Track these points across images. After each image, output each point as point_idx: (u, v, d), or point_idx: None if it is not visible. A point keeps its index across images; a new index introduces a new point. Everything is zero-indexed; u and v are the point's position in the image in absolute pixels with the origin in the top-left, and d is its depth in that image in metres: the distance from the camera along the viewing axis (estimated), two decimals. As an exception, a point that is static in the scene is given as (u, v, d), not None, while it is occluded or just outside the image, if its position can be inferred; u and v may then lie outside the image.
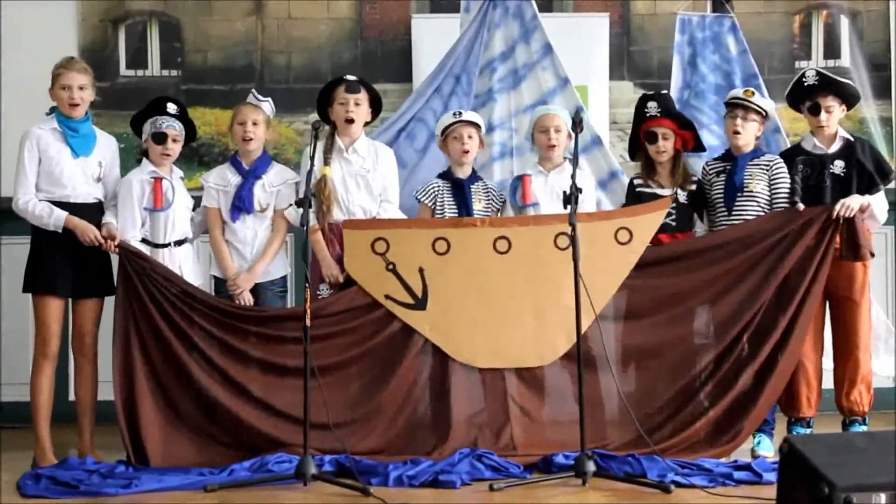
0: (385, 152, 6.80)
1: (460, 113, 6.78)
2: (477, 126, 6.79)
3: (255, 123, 6.67)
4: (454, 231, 6.42)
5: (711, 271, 6.45)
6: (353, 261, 6.44)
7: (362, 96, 6.67)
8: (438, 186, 6.78)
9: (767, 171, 6.58)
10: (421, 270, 6.39)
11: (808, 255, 6.37)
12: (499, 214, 6.79)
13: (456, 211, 6.70)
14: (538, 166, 6.81)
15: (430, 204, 6.75)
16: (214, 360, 6.36)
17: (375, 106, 6.79)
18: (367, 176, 6.67)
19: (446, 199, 6.74)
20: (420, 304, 6.38)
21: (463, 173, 6.79)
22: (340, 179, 6.64)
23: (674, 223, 6.60)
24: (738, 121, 6.61)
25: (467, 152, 6.73)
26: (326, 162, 6.63)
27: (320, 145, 6.59)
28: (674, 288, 6.46)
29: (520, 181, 6.79)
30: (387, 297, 6.39)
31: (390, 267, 6.39)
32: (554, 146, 6.68)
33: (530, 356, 6.37)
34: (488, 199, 6.79)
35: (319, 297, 6.57)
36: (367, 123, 6.82)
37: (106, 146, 6.68)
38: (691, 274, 6.46)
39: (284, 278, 6.84)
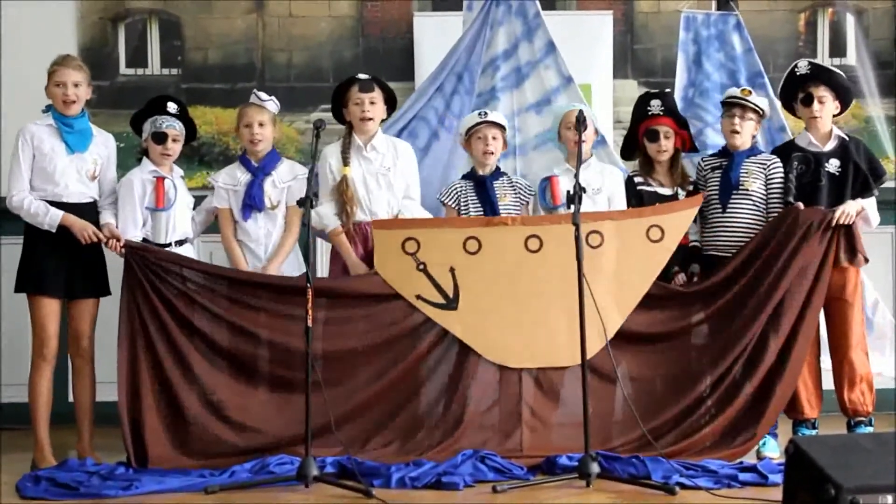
0: (404, 148, 6.78)
1: (486, 113, 6.76)
2: (501, 127, 6.76)
3: (261, 125, 6.63)
4: (485, 230, 6.39)
5: (717, 301, 6.42)
6: (384, 261, 6.40)
7: (377, 94, 6.63)
8: (461, 187, 6.76)
9: (765, 170, 6.55)
10: (452, 270, 6.36)
11: (811, 260, 6.32)
12: (529, 207, 6.78)
13: (481, 209, 6.68)
14: (566, 164, 6.77)
15: (453, 205, 6.73)
16: (219, 354, 6.33)
17: (390, 103, 6.76)
18: (388, 174, 6.64)
19: (470, 198, 6.72)
20: (451, 303, 6.36)
21: (485, 172, 6.76)
22: (361, 179, 6.61)
23: (673, 223, 6.56)
24: (736, 120, 6.58)
25: (490, 153, 6.70)
26: (346, 162, 6.60)
27: (336, 146, 6.63)
28: (676, 321, 6.45)
29: (548, 182, 6.76)
30: (418, 297, 6.36)
31: (421, 267, 6.36)
32: (583, 141, 6.64)
33: (561, 356, 6.31)
34: (515, 193, 6.76)
35: None
36: (382, 121, 6.79)
37: (103, 144, 6.64)
38: (695, 305, 6.46)
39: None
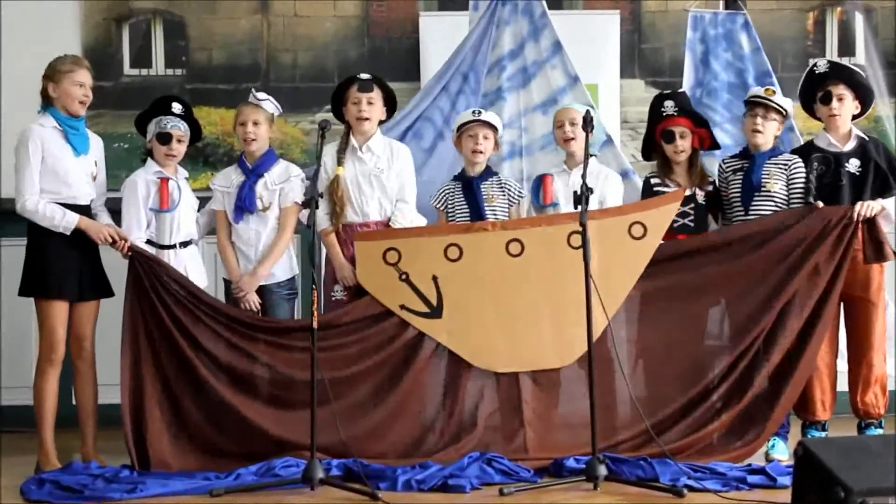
0: (401, 150, 6.74)
1: (479, 112, 6.72)
2: (494, 128, 6.72)
3: (255, 123, 6.59)
4: (466, 236, 6.36)
5: (727, 268, 6.36)
6: (366, 272, 6.38)
7: (375, 95, 6.60)
8: (449, 189, 6.74)
9: (786, 170, 6.50)
10: (434, 278, 6.33)
11: (828, 258, 6.28)
12: (520, 208, 6.74)
13: (467, 210, 6.65)
14: (563, 165, 6.76)
15: (441, 208, 6.71)
16: (221, 362, 6.30)
17: (390, 104, 6.73)
18: (381, 176, 6.60)
19: (457, 200, 6.69)
20: (435, 312, 6.33)
21: (474, 172, 6.73)
22: (353, 179, 6.58)
23: (692, 224, 6.53)
24: (759, 119, 6.53)
25: (479, 153, 6.66)
26: (340, 162, 6.59)
27: (333, 145, 6.61)
28: (688, 285, 6.38)
29: (540, 181, 6.74)
30: (402, 307, 6.33)
31: (403, 277, 6.33)
32: (571, 139, 6.62)
33: (549, 358, 6.30)
34: (504, 195, 6.71)
35: (334, 298, 6.59)
36: (382, 122, 6.76)
37: (97, 146, 6.62)
38: (706, 269, 6.38)
39: (292, 280, 6.76)
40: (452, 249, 6.33)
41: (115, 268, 6.45)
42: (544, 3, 7.35)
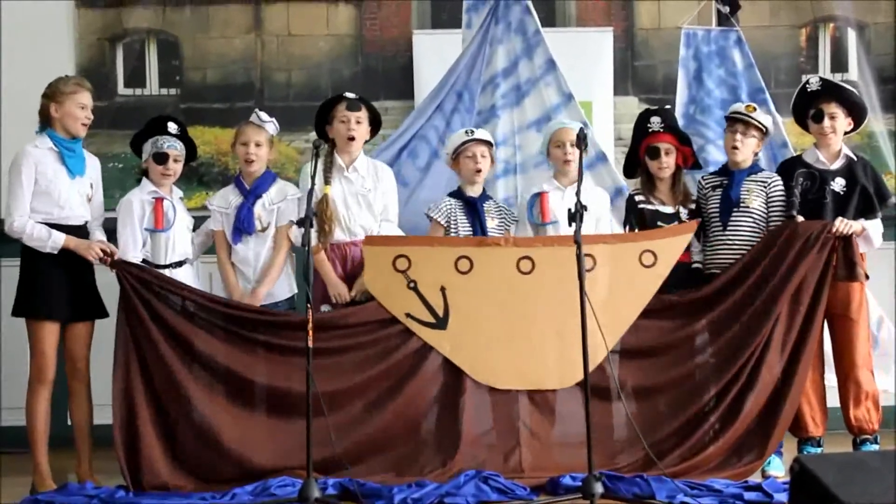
0: (384, 171, 6.75)
1: (472, 131, 6.74)
2: (489, 144, 6.73)
3: (257, 145, 6.62)
4: (477, 250, 6.36)
5: (715, 311, 6.37)
6: (374, 277, 6.37)
7: (363, 114, 6.62)
8: (451, 205, 6.72)
9: (765, 187, 6.52)
10: (443, 289, 6.32)
11: (810, 273, 6.27)
12: (511, 232, 6.73)
13: (470, 229, 6.65)
14: (554, 182, 6.75)
15: (443, 222, 6.68)
16: (217, 372, 6.27)
17: (375, 124, 6.73)
18: (369, 195, 6.61)
19: (460, 218, 6.68)
20: (441, 323, 6.32)
21: (474, 192, 6.73)
22: (342, 198, 6.58)
23: (676, 242, 6.52)
24: (738, 136, 6.55)
25: (480, 171, 6.68)
26: (327, 181, 6.58)
27: (320, 164, 6.54)
28: (677, 331, 6.40)
29: (537, 198, 6.73)
30: (407, 315, 6.32)
31: (412, 285, 6.32)
32: (570, 161, 6.62)
33: (551, 378, 6.29)
34: (501, 217, 6.73)
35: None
36: (365, 142, 6.75)
37: (93, 167, 6.62)
38: (694, 316, 6.39)
39: (291, 299, 6.76)
40: (463, 262, 6.32)
41: (110, 288, 6.42)
42: (538, 21, 7.36)
